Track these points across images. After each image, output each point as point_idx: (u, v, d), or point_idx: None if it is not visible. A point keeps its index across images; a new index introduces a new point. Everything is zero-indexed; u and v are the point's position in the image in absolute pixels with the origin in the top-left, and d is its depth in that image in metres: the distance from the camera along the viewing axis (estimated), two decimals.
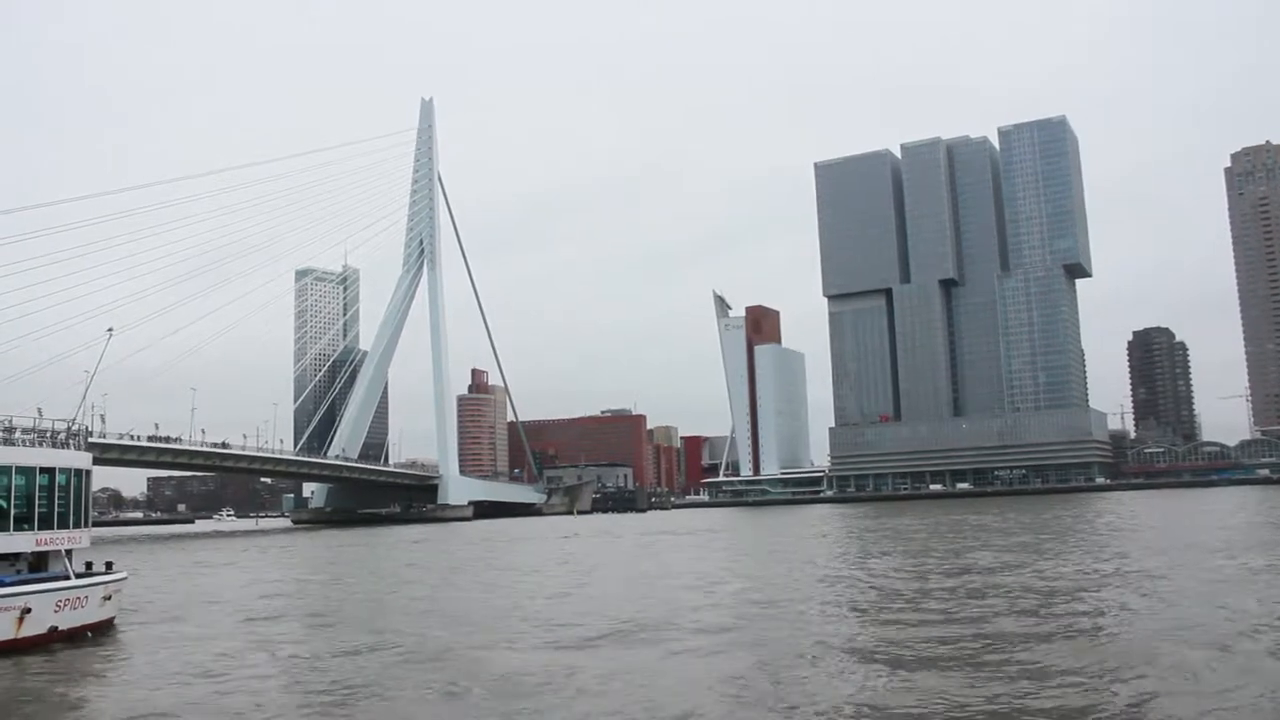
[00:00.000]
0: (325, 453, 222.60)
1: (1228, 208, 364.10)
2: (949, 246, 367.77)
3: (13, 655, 28.53)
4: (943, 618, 31.27)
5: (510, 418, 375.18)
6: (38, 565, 33.44)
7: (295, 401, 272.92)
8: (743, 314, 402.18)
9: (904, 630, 29.01)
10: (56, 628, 31.26)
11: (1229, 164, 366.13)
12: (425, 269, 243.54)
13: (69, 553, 34.01)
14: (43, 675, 26.55)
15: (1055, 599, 34.95)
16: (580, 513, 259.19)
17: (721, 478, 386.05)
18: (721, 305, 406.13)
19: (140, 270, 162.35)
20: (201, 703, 22.14)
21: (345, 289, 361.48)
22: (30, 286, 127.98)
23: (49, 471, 33.08)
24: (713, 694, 21.21)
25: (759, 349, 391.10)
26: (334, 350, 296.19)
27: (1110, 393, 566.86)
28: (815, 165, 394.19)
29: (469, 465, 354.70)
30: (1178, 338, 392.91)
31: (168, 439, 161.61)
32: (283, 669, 26.54)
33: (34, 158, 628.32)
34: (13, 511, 31.66)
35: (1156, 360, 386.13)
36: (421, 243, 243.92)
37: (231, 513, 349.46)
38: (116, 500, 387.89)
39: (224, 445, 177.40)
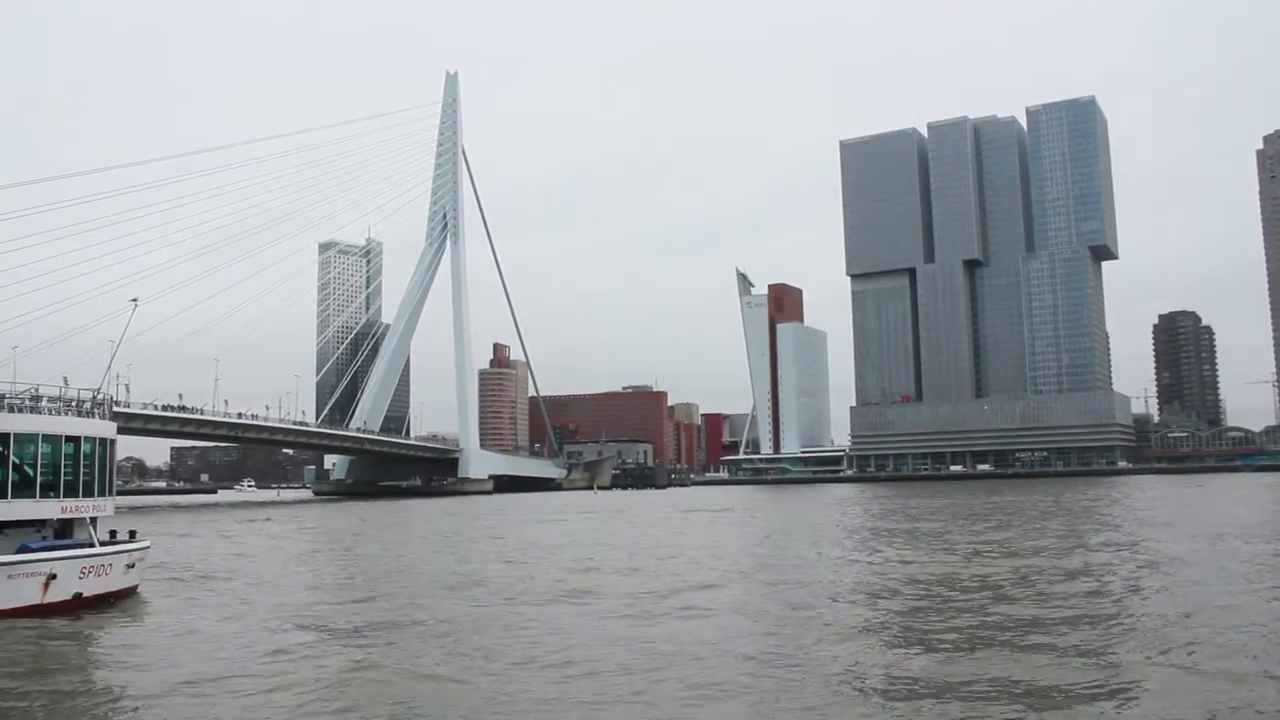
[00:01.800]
0: (347, 425, 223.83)
1: (1259, 191, 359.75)
2: (974, 227, 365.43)
3: (38, 620, 28.93)
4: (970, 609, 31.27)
5: (531, 392, 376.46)
6: (63, 532, 33.83)
7: (318, 374, 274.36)
8: (765, 292, 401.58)
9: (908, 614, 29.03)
10: (81, 594, 31.64)
11: (1261, 146, 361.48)
12: (448, 243, 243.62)
13: (93, 520, 34.40)
14: (67, 640, 26.89)
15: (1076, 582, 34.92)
16: (600, 488, 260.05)
17: (741, 455, 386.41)
18: (744, 283, 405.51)
19: (165, 242, 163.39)
20: (223, 669, 22.33)
21: (368, 262, 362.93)
22: (57, 256, 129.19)
23: (74, 440, 33.39)
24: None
25: (781, 327, 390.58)
26: (357, 323, 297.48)
27: (1134, 376, 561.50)
28: (840, 144, 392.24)
29: (490, 439, 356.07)
30: (1204, 321, 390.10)
31: (190, 409, 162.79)
32: (304, 634, 26.73)
33: (61, 131, 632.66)
34: (39, 479, 31.98)
35: (1182, 344, 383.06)
36: (445, 217, 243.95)
37: (252, 483, 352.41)
38: (140, 469, 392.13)
39: (247, 416, 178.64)
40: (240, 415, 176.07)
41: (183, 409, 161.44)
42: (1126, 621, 26.32)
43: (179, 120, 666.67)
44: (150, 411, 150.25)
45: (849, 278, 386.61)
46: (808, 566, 43.03)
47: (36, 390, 34.44)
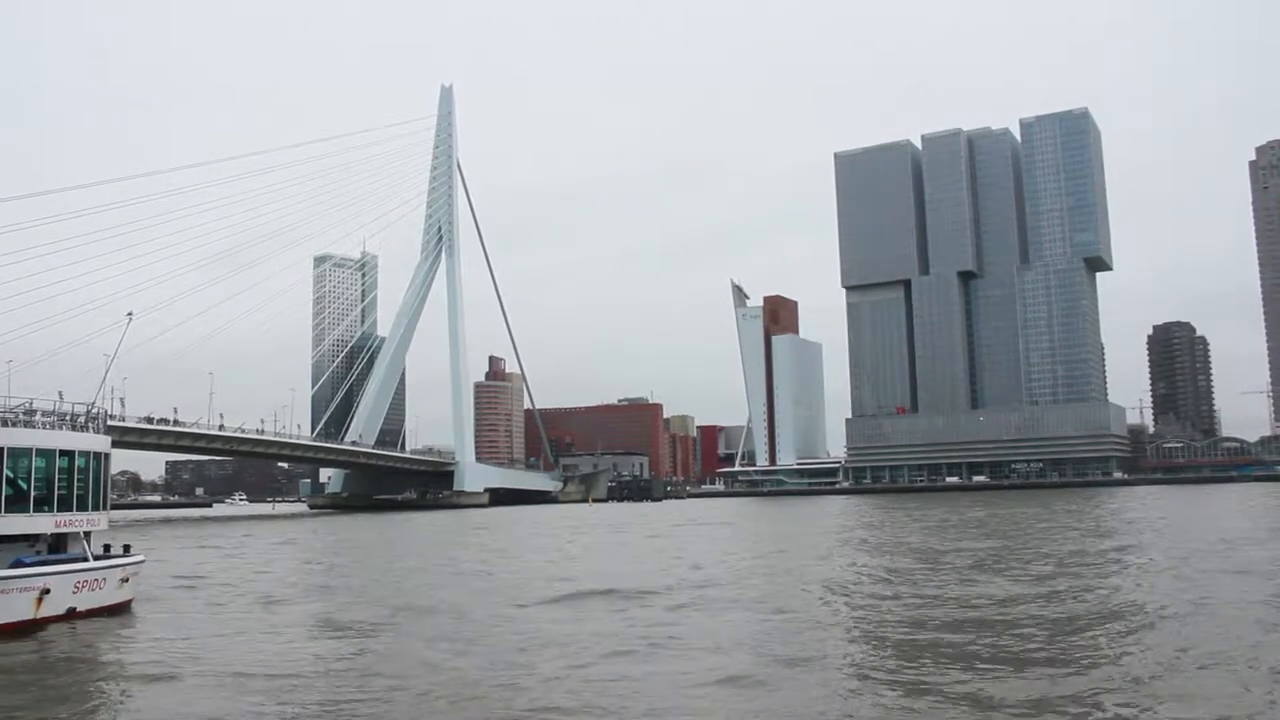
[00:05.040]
0: (342, 438, 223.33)
1: (1251, 202, 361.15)
2: (968, 238, 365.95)
3: (32, 635, 28.84)
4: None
5: (527, 405, 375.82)
6: (57, 547, 33.76)
7: (313, 387, 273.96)
8: (760, 304, 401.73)
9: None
10: (75, 609, 31.57)
11: (1254, 157, 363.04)
12: (444, 256, 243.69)
13: (87, 535, 34.33)
14: (61, 655, 26.81)
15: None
16: (596, 501, 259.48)
17: (737, 467, 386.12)
18: (739, 295, 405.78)
19: (161, 256, 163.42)
20: (218, 684, 22.32)
21: (364, 275, 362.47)
22: (52, 270, 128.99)
23: (68, 454, 33.33)
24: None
25: (776, 339, 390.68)
26: (352, 336, 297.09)
27: (1129, 387, 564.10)
28: (835, 155, 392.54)
29: (485, 452, 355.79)
30: (1198, 332, 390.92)
31: (184, 423, 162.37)
32: (298, 648, 26.72)
33: (55, 146, 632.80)
34: (33, 493, 31.94)
35: (1177, 355, 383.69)
36: (440, 230, 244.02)
37: (244, 497, 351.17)
38: (135, 483, 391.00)
39: (247, 430, 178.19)
40: (222, 427, 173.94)
41: (177, 423, 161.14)
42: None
43: (174, 133, 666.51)
44: (145, 425, 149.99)
45: (844, 289, 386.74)
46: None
47: (31, 404, 34.43)
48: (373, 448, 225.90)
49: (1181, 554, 48.79)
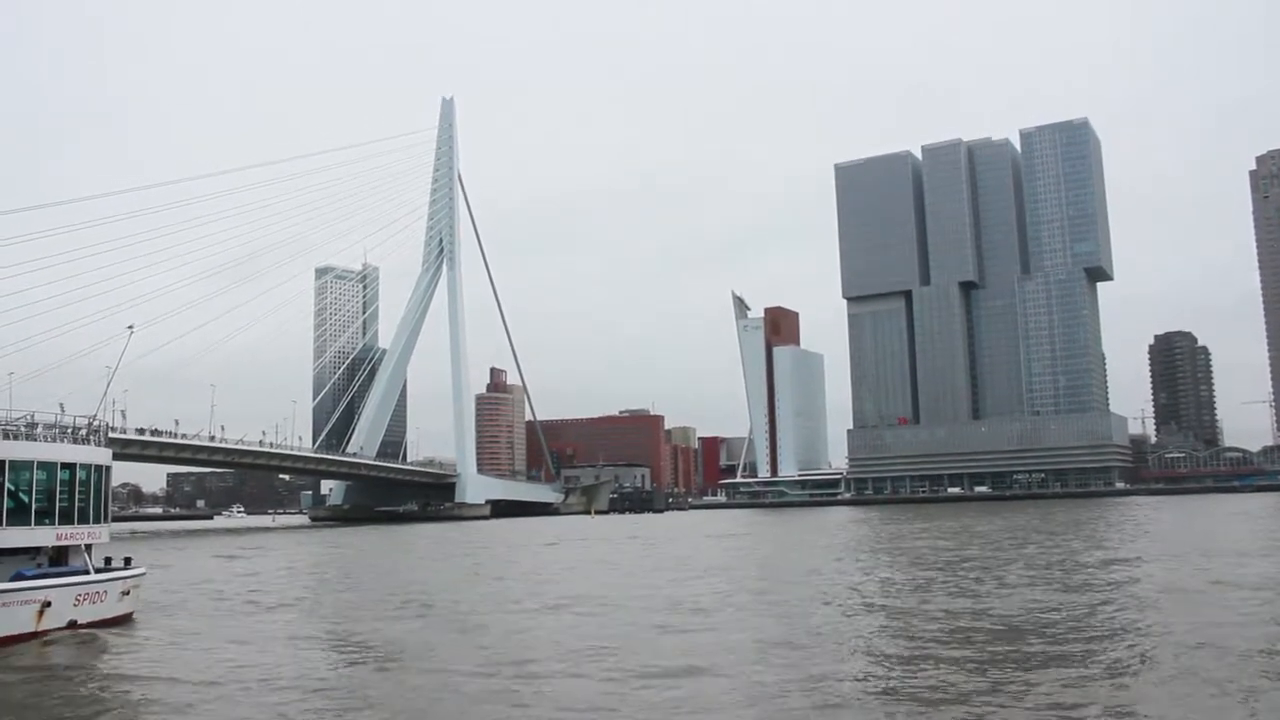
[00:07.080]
0: (344, 450, 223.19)
1: (1252, 211, 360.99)
2: (969, 248, 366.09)
3: (33, 647, 28.76)
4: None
5: (528, 417, 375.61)
6: (58, 560, 33.71)
7: (314, 399, 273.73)
8: (762, 315, 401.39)
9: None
10: (76, 621, 31.51)
11: (1254, 167, 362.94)
12: (445, 268, 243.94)
13: (89, 547, 34.28)
14: (62, 668, 26.74)
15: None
16: (598, 513, 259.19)
17: (739, 479, 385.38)
18: (740, 306, 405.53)
19: (162, 268, 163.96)
20: (218, 697, 22.25)
21: (365, 287, 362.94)
22: (53, 283, 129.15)
23: (70, 467, 33.30)
24: None
25: (777, 350, 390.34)
26: (353, 348, 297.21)
27: (1131, 397, 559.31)
28: (835, 166, 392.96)
29: (487, 464, 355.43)
30: (1200, 342, 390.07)
31: (184, 435, 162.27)
32: (297, 661, 26.63)
33: (57, 157, 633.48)
34: (34, 506, 31.90)
35: (1178, 364, 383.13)
36: (441, 242, 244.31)
37: (241, 509, 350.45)
38: (136, 495, 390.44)
39: (245, 441, 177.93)
40: (214, 438, 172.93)
41: (179, 435, 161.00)
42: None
43: (175, 143, 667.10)
44: (146, 438, 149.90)
45: (845, 300, 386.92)
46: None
47: (32, 417, 34.41)
48: (374, 459, 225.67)
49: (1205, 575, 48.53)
